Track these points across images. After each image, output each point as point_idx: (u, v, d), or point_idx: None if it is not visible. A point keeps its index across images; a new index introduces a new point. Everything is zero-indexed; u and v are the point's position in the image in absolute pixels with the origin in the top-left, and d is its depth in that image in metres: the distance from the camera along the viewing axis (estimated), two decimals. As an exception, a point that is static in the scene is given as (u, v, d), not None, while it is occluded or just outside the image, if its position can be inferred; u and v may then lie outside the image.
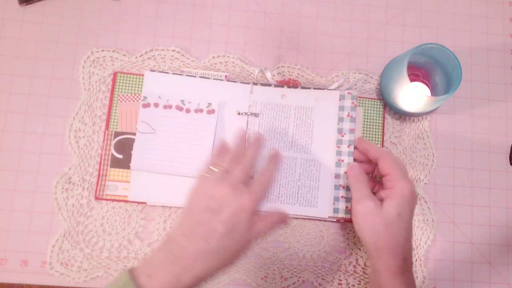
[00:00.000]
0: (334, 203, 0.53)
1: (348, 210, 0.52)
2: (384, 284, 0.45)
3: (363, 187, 0.47)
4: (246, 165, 0.47)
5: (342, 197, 0.53)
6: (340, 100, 0.54)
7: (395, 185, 0.46)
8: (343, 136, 0.54)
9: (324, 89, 0.55)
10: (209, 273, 0.43)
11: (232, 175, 0.46)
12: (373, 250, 0.45)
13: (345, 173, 0.52)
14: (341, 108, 0.54)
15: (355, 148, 0.53)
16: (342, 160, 0.53)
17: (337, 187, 0.53)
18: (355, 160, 0.53)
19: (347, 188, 0.52)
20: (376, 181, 0.53)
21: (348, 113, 0.54)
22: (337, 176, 0.53)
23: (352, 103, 0.54)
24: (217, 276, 0.45)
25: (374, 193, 0.48)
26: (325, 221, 0.55)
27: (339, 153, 0.53)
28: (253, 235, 0.45)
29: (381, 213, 0.44)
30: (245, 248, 0.45)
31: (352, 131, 0.53)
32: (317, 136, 0.54)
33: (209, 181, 0.45)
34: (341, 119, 0.54)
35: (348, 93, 0.54)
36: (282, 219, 0.48)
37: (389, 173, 0.47)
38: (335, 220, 0.54)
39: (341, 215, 0.53)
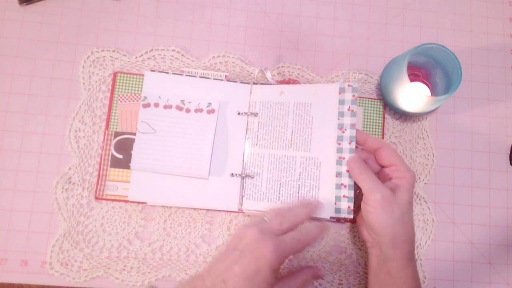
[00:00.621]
0: (335, 203, 0.50)
1: (351, 210, 0.50)
2: (396, 271, 0.45)
3: (372, 177, 0.46)
4: (285, 217, 0.44)
5: (344, 196, 0.50)
6: (340, 93, 0.51)
7: (403, 175, 0.47)
8: (344, 132, 0.51)
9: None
10: None
11: (267, 222, 0.44)
12: (390, 239, 0.44)
13: (347, 169, 0.50)
14: (341, 102, 0.51)
15: (357, 146, 0.51)
16: (343, 158, 0.50)
17: (338, 186, 0.50)
18: None
19: (349, 187, 0.50)
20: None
21: (349, 107, 0.51)
22: (338, 174, 0.50)
23: (353, 96, 0.51)
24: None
25: None
26: (326, 221, 0.55)
27: (340, 150, 0.51)
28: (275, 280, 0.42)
29: (397, 202, 0.45)
30: None
31: (353, 126, 0.50)
32: (316, 132, 0.52)
33: (246, 223, 0.44)
34: (341, 114, 0.51)
35: (349, 85, 0.51)
36: (316, 276, 0.47)
37: (394, 164, 0.48)
38: (334, 220, 0.54)
39: (344, 215, 0.50)
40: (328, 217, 0.51)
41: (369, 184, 0.46)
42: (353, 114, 0.51)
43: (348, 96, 0.51)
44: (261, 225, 0.43)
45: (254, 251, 0.40)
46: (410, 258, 0.46)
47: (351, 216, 0.50)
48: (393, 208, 0.44)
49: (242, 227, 0.43)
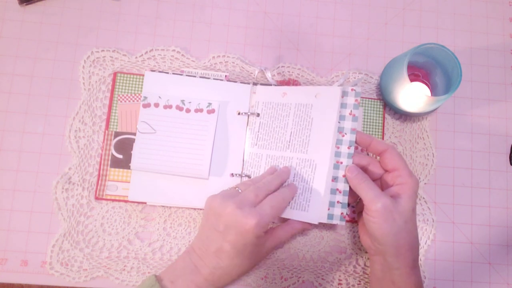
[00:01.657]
0: (329, 209, 0.48)
1: (344, 217, 0.48)
2: (400, 280, 0.44)
3: (372, 186, 0.45)
4: (258, 187, 0.46)
5: (338, 202, 0.48)
6: (342, 97, 0.50)
7: (406, 180, 0.46)
8: (343, 136, 0.49)
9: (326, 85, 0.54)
10: (227, 284, 0.46)
11: (242, 194, 0.46)
12: (393, 248, 0.44)
13: (344, 176, 0.49)
14: (343, 105, 0.50)
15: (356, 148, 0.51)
16: (341, 162, 0.49)
17: (333, 191, 0.49)
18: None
19: (344, 193, 0.49)
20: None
21: (351, 111, 0.49)
22: (334, 179, 0.49)
23: (356, 100, 0.49)
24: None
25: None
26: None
27: (338, 154, 0.49)
28: (265, 251, 0.48)
29: (399, 210, 0.44)
30: (258, 263, 0.48)
31: (353, 131, 0.49)
32: (315, 134, 0.51)
33: (219, 197, 0.45)
34: (342, 117, 0.50)
35: (352, 89, 0.50)
36: (305, 229, 0.51)
37: (397, 168, 0.47)
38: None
39: (336, 221, 0.48)
40: (317, 223, 0.49)
41: (369, 194, 0.45)
42: (355, 118, 0.49)
43: (351, 100, 0.50)
44: (237, 198, 0.45)
45: (238, 227, 0.43)
46: (414, 266, 0.45)
47: (343, 223, 0.49)
48: (395, 217, 0.43)
49: (216, 202, 0.45)
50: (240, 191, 0.47)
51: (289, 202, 0.50)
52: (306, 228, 0.51)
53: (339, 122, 0.50)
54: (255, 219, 0.43)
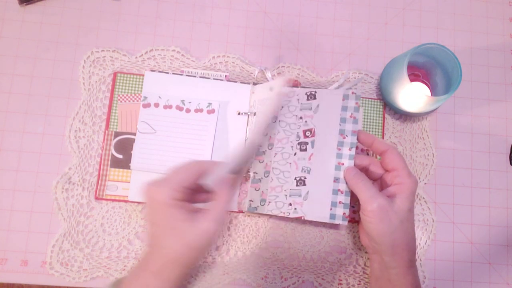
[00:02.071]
0: (331, 209, 0.49)
1: (346, 217, 0.48)
2: (396, 279, 0.45)
3: (368, 186, 0.46)
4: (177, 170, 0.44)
5: (340, 202, 0.49)
6: (343, 100, 0.51)
7: (404, 181, 0.46)
8: (344, 138, 0.50)
9: (326, 87, 0.55)
10: (179, 275, 0.41)
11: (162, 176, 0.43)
12: (389, 247, 0.44)
13: (340, 164, 0.49)
14: (344, 108, 0.50)
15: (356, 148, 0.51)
16: (343, 164, 0.49)
17: (335, 192, 0.49)
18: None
19: (346, 194, 0.49)
20: (371, 178, 0.51)
21: (351, 113, 0.50)
22: (336, 180, 0.49)
23: (356, 103, 0.50)
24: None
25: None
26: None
27: (339, 155, 0.49)
28: (202, 228, 0.41)
29: (395, 210, 0.44)
30: (201, 246, 0.41)
31: (354, 133, 0.50)
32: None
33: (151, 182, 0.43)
34: (343, 120, 0.50)
35: (352, 93, 0.50)
36: (227, 185, 0.45)
37: (396, 169, 0.47)
38: None
39: (338, 221, 0.48)
40: (322, 222, 0.50)
41: (365, 194, 0.45)
42: (355, 121, 0.50)
43: (351, 103, 0.50)
44: (153, 182, 0.43)
45: (148, 199, 0.42)
46: (411, 266, 0.45)
47: (345, 223, 0.49)
48: (391, 217, 0.44)
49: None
50: None
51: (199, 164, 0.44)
52: (228, 181, 0.45)
53: (340, 125, 0.50)
54: (158, 187, 0.41)
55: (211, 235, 0.41)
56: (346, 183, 0.48)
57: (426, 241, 0.55)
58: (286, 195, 0.51)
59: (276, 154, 0.53)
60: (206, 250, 0.45)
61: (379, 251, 0.46)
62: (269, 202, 0.52)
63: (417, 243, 0.55)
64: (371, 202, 0.44)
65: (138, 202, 0.54)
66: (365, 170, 0.50)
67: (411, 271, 0.45)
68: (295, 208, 0.50)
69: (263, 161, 0.53)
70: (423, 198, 0.56)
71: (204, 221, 0.41)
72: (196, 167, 0.43)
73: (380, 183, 0.50)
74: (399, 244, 0.44)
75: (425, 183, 0.57)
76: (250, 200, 0.53)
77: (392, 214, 0.44)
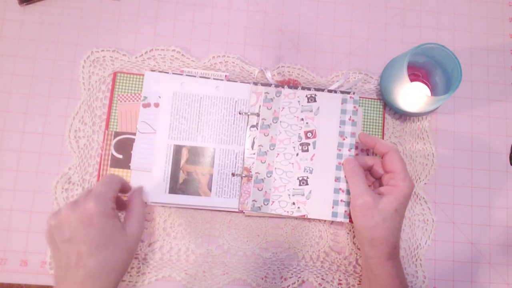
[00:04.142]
0: (333, 207, 0.52)
1: (347, 215, 0.52)
2: (375, 269, 0.47)
3: (360, 182, 0.49)
4: (90, 188, 0.45)
5: (341, 200, 0.52)
6: (342, 103, 0.54)
7: (397, 184, 0.48)
8: (344, 139, 0.53)
9: (324, 89, 0.55)
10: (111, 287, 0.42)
11: (72, 199, 0.44)
12: (369, 240, 0.47)
13: (345, 175, 0.52)
14: (343, 111, 0.54)
15: (356, 147, 0.53)
16: (343, 164, 0.53)
17: (336, 191, 0.52)
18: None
19: (347, 192, 0.52)
20: (374, 177, 0.53)
21: (350, 116, 0.54)
22: (337, 179, 0.53)
23: (354, 107, 0.54)
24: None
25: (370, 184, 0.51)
26: (325, 221, 0.55)
27: (339, 156, 0.53)
28: (131, 236, 0.44)
29: (379, 208, 0.47)
30: (131, 249, 0.44)
31: (353, 135, 0.53)
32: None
33: (52, 215, 0.42)
34: (342, 122, 0.54)
35: (351, 97, 0.54)
36: (140, 191, 0.50)
37: (394, 171, 0.49)
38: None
39: (340, 219, 0.52)
40: (322, 222, 0.54)
41: (355, 189, 0.48)
42: (354, 123, 0.54)
43: (350, 106, 0.54)
44: (68, 202, 0.45)
45: (82, 220, 0.40)
46: (389, 258, 0.47)
47: (347, 220, 0.52)
48: (373, 213, 0.46)
49: (50, 220, 0.42)
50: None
51: (113, 175, 0.47)
52: (140, 190, 0.50)
53: (340, 127, 0.54)
54: (91, 201, 0.41)
55: (140, 237, 0.45)
56: (343, 171, 0.52)
57: (426, 241, 0.55)
58: (289, 195, 0.53)
59: (278, 154, 0.54)
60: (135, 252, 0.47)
61: (360, 241, 0.49)
62: (273, 201, 0.53)
63: (417, 243, 0.55)
64: (358, 198, 0.47)
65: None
66: (369, 169, 0.53)
67: (390, 262, 0.47)
68: (298, 207, 0.53)
69: (265, 162, 0.54)
70: (423, 198, 0.56)
71: (133, 226, 0.45)
72: (117, 179, 0.46)
73: (379, 182, 0.53)
74: (377, 238, 0.46)
75: (425, 183, 0.57)
76: (254, 200, 0.53)
77: (375, 211, 0.46)
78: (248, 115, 0.55)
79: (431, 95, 0.56)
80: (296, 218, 0.55)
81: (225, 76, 0.56)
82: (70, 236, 0.41)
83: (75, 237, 0.40)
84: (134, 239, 0.44)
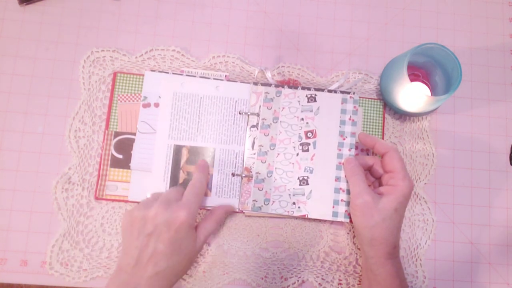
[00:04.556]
0: (333, 207, 0.53)
1: (348, 214, 0.52)
2: (375, 269, 0.47)
3: (360, 182, 0.49)
4: (177, 187, 0.48)
5: (342, 200, 0.53)
6: (342, 103, 0.54)
7: (397, 183, 0.48)
8: (344, 139, 0.54)
9: (324, 89, 0.55)
10: None
11: (163, 195, 0.47)
12: (368, 239, 0.47)
13: (341, 163, 0.53)
14: (343, 111, 0.54)
15: (356, 148, 0.53)
16: (343, 163, 0.53)
17: (337, 190, 0.53)
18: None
19: (347, 192, 0.52)
20: (374, 176, 0.53)
21: (350, 116, 0.54)
22: (337, 179, 0.53)
23: (354, 107, 0.54)
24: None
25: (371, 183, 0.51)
26: (325, 221, 0.55)
27: (340, 156, 0.53)
28: (198, 246, 0.47)
29: (378, 208, 0.47)
30: (194, 259, 0.47)
31: (353, 134, 0.54)
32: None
33: (139, 205, 0.46)
34: (343, 122, 0.54)
35: (351, 97, 0.54)
36: (227, 211, 0.52)
37: (393, 171, 0.49)
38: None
39: (340, 218, 0.52)
40: (322, 221, 0.54)
41: (355, 188, 0.49)
42: (354, 123, 0.54)
43: (350, 106, 0.54)
44: (160, 199, 0.46)
45: (170, 223, 0.44)
46: (388, 258, 0.47)
47: (348, 220, 0.52)
48: (373, 213, 0.47)
49: (138, 211, 0.45)
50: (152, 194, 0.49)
51: (207, 183, 0.52)
52: (228, 210, 0.52)
53: (340, 127, 0.54)
54: (184, 211, 0.44)
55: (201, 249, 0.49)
56: (344, 170, 0.52)
57: (426, 241, 0.55)
58: (289, 195, 0.53)
59: (278, 154, 0.54)
60: None
61: (360, 241, 0.49)
62: (273, 201, 0.53)
63: (417, 243, 0.55)
64: (358, 197, 0.48)
65: (138, 202, 0.54)
66: (369, 168, 0.53)
67: (390, 262, 0.47)
68: (299, 207, 0.53)
69: (265, 162, 0.54)
70: (423, 198, 0.56)
71: (202, 237, 0.48)
72: (203, 192, 0.50)
73: (379, 182, 0.53)
74: (377, 238, 0.47)
75: (425, 183, 0.57)
76: (254, 200, 0.53)
77: (375, 211, 0.47)
78: (248, 115, 0.55)
79: (431, 95, 0.56)
80: (296, 218, 0.55)
81: (225, 76, 0.56)
82: (153, 232, 0.43)
83: (157, 235, 0.43)
84: (199, 249, 0.48)
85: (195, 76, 0.55)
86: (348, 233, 0.55)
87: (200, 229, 0.48)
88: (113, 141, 0.54)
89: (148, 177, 0.53)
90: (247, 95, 0.55)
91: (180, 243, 0.44)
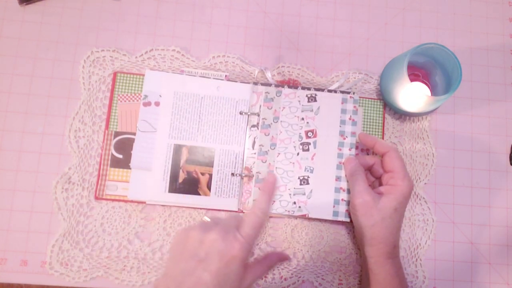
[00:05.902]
0: (334, 206, 0.53)
1: (348, 214, 0.52)
2: (375, 268, 0.48)
3: (360, 181, 0.49)
4: (238, 215, 0.43)
5: (342, 200, 0.53)
6: (342, 103, 0.55)
7: (396, 183, 0.48)
8: (345, 139, 0.54)
9: (324, 89, 0.55)
10: None
11: (224, 220, 0.42)
12: (368, 239, 0.47)
13: (342, 163, 0.53)
14: (343, 111, 0.54)
15: (357, 147, 0.54)
16: (343, 163, 0.53)
17: (337, 190, 0.53)
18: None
19: (348, 191, 0.53)
20: (374, 176, 0.54)
21: (350, 116, 0.54)
22: (337, 178, 0.53)
23: (354, 107, 0.54)
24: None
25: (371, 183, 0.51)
26: (325, 220, 0.55)
27: (340, 155, 0.53)
28: (243, 286, 0.41)
29: (378, 208, 0.47)
30: None
31: (353, 134, 0.54)
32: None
33: (198, 225, 0.41)
34: (343, 122, 0.54)
35: (351, 97, 0.55)
36: (282, 259, 0.46)
37: (393, 171, 0.49)
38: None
39: (341, 218, 0.53)
40: (322, 221, 0.54)
41: (355, 188, 0.49)
42: (354, 123, 0.54)
43: (350, 106, 0.55)
44: (220, 225, 0.41)
45: (222, 254, 0.39)
46: (388, 257, 0.47)
47: (348, 220, 0.53)
48: (373, 213, 0.47)
49: (196, 231, 0.40)
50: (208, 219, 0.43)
51: (268, 210, 0.43)
52: (282, 259, 0.46)
53: (340, 126, 0.54)
54: (240, 244, 0.39)
55: None
56: (344, 170, 0.53)
57: (426, 241, 0.55)
58: (290, 194, 0.53)
59: (279, 154, 0.54)
60: None
61: (360, 240, 0.50)
62: (274, 201, 0.53)
63: (417, 243, 0.55)
64: (358, 197, 0.48)
65: (138, 202, 0.54)
66: (370, 168, 0.53)
67: (389, 261, 0.47)
68: (300, 207, 0.53)
69: (266, 161, 0.54)
70: (423, 198, 0.56)
71: (248, 279, 0.41)
72: (264, 221, 0.43)
73: (379, 182, 0.53)
74: (377, 237, 0.47)
75: (425, 183, 0.57)
76: (254, 200, 0.53)
77: (375, 210, 0.47)
78: (249, 115, 0.55)
79: (431, 95, 0.56)
80: (296, 217, 0.55)
81: (225, 76, 0.56)
82: (203, 259, 0.39)
83: (206, 263, 0.39)
84: (246, 286, 0.41)
85: (195, 76, 0.55)
86: (348, 233, 0.55)
87: (250, 271, 0.42)
88: (113, 141, 0.54)
89: (148, 176, 0.53)
90: (248, 95, 0.55)
91: (227, 278, 0.39)
